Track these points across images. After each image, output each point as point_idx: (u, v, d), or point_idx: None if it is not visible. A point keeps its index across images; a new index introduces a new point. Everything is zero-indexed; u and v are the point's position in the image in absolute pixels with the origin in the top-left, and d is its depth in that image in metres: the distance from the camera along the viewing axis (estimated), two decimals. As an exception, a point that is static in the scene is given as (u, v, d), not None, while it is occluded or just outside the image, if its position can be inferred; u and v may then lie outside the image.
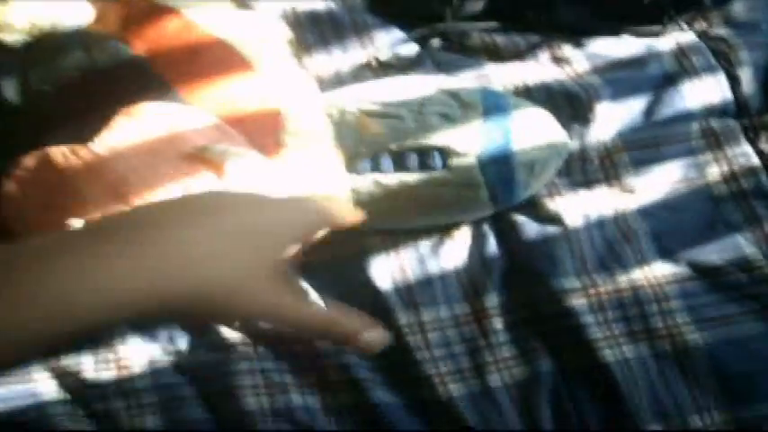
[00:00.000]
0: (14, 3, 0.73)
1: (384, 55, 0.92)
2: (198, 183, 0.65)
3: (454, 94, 0.79)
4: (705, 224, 0.79)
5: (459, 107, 0.77)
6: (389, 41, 0.93)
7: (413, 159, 0.75)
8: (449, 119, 0.76)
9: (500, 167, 0.76)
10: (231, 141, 0.69)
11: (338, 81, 0.89)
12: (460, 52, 0.94)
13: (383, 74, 0.89)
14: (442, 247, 0.79)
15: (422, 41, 0.95)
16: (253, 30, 0.78)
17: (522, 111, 0.79)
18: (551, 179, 0.81)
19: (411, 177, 0.75)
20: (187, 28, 0.74)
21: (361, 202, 0.75)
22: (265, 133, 0.72)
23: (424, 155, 0.75)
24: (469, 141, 0.75)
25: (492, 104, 0.78)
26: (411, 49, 0.93)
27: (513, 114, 0.78)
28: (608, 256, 0.78)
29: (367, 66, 0.91)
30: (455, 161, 0.75)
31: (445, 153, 0.75)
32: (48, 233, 0.49)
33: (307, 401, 0.73)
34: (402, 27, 0.95)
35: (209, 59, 0.73)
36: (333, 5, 0.96)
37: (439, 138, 0.76)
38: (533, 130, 0.78)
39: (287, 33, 0.83)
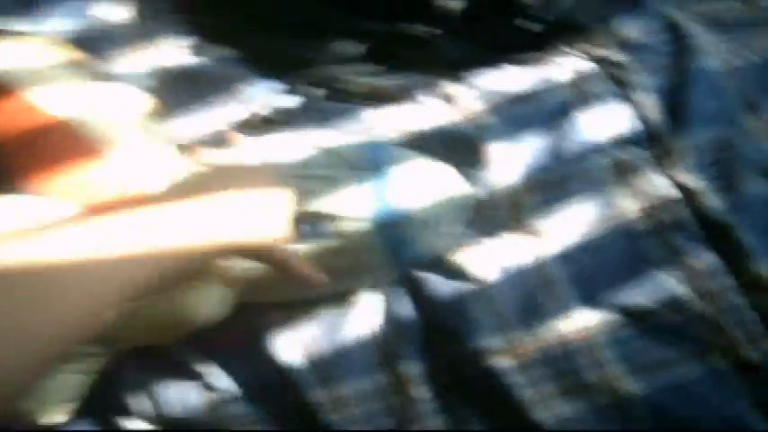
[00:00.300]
0: None
1: (264, 109, 0.84)
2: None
3: (337, 153, 0.72)
4: (627, 264, 0.74)
5: (344, 167, 0.70)
6: (268, 94, 0.86)
7: (303, 228, 0.68)
8: (333, 181, 0.69)
9: (394, 228, 0.68)
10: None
11: (216, 141, 0.80)
12: (343, 100, 0.86)
13: (264, 130, 0.81)
14: (352, 314, 0.72)
15: (302, 91, 0.87)
16: (105, 106, 0.68)
17: (413, 163, 0.72)
18: (457, 232, 0.75)
19: (304, 247, 0.67)
20: (27, 110, 0.64)
21: (252, 276, 0.66)
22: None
23: (314, 222, 0.68)
24: (358, 204, 0.68)
25: (379, 160, 0.71)
26: (292, 101, 0.86)
27: (403, 169, 0.71)
28: (529, 309, 0.72)
29: (248, 122, 0.83)
30: (346, 226, 0.67)
31: (334, 219, 0.68)
32: None
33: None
34: (279, 77, 0.87)
35: (52, 144, 0.64)
36: (206, 60, 0.87)
37: (326, 203, 0.68)
38: (426, 184, 0.71)
39: (147, 102, 0.74)
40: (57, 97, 0.65)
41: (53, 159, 0.63)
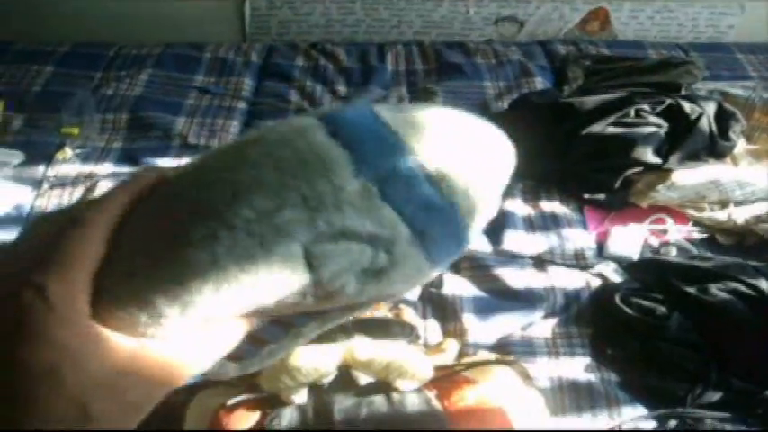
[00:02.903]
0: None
1: (626, 426, 1.16)
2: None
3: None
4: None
5: None
6: (633, 415, 1.17)
7: None
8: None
9: None
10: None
11: None
12: None
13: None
14: None
15: (662, 420, 1.17)
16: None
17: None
18: None
19: None
20: (481, 398, 1.04)
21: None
22: None
23: None
24: None
25: None
26: (650, 424, 1.17)
27: None
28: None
29: None
30: None
31: None
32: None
33: None
34: (646, 404, 1.19)
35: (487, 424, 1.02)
36: (592, 377, 1.25)
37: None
38: None
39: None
40: (501, 391, 1.08)
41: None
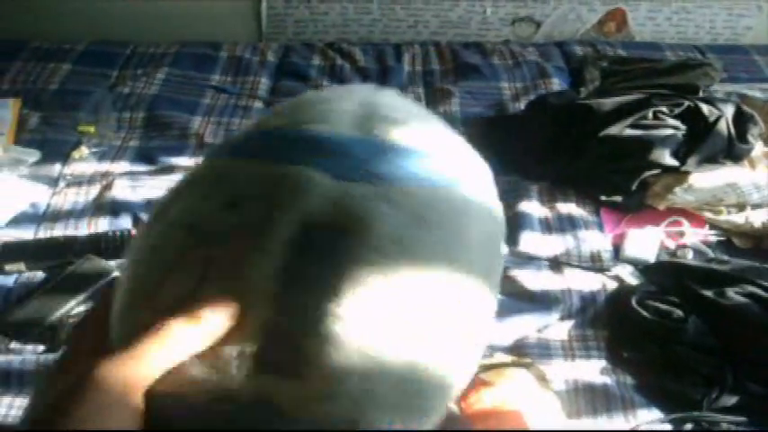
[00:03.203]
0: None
1: (642, 429, 1.16)
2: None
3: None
4: None
5: None
6: (649, 418, 1.17)
7: None
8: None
9: None
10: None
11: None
12: None
13: None
14: None
15: (677, 423, 1.17)
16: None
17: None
18: None
19: None
20: (497, 400, 1.06)
21: None
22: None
23: None
24: None
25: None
26: (666, 427, 1.17)
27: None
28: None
29: None
30: None
31: None
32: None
33: None
34: (662, 407, 1.19)
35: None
36: (608, 380, 1.24)
37: None
38: None
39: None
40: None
41: None
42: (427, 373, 0.35)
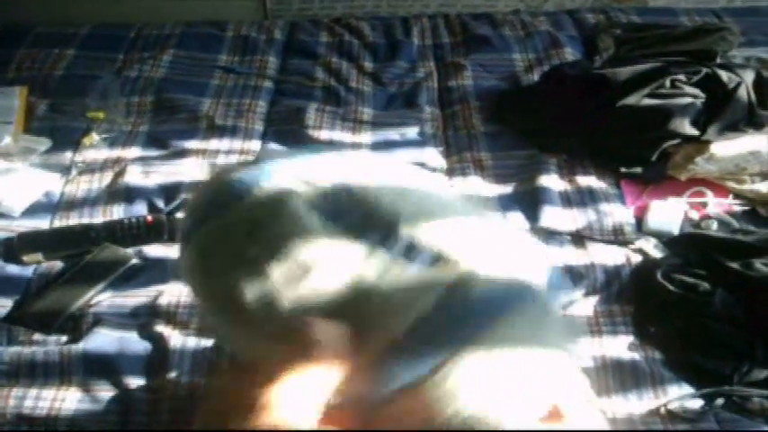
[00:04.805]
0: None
1: (672, 405, 1.15)
2: None
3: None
4: None
5: None
6: (679, 393, 1.16)
7: None
8: None
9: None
10: None
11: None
12: (741, 413, 1.13)
13: (670, 424, 1.13)
14: None
15: (708, 398, 1.16)
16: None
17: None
18: None
19: None
20: None
21: None
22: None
23: None
24: None
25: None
26: (696, 403, 1.16)
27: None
28: None
29: (656, 413, 1.15)
30: None
31: None
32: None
33: None
34: (692, 382, 1.18)
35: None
36: (636, 356, 1.22)
37: None
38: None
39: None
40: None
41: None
42: None
